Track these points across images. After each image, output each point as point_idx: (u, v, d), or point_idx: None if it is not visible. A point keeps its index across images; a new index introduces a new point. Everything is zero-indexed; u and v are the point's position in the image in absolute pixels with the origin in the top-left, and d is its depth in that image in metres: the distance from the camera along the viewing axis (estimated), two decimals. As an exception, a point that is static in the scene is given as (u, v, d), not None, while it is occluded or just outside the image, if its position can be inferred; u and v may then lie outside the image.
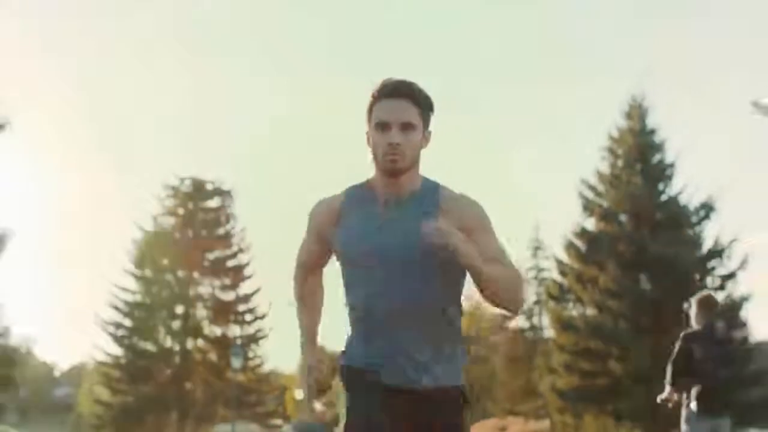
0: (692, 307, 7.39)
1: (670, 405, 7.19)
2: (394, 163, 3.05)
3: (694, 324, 7.34)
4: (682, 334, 7.26)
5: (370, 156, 3.15)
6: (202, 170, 43.38)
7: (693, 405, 7.13)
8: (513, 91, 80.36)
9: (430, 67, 71.70)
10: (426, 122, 3.13)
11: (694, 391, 7.14)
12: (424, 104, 3.11)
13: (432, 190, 3.15)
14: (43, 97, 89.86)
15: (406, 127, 3.06)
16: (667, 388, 7.20)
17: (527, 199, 70.65)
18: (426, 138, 3.15)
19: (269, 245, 75.64)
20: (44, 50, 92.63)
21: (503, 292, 2.98)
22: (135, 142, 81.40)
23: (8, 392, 41.50)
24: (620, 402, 29.02)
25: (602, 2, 73.98)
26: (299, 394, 48.13)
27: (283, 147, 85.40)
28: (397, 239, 3.08)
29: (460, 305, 3.18)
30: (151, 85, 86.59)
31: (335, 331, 3.54)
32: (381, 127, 3.07)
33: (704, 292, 7.55)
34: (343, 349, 3.24)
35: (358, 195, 3.19)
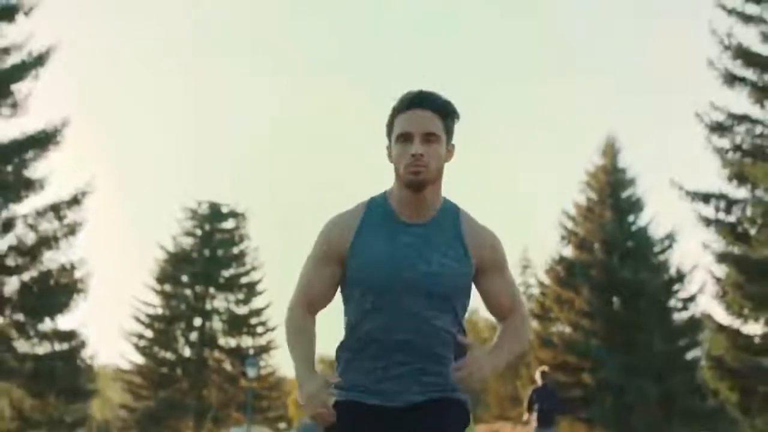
0: (538, 374, 14.69)
1: (524, 419, 14.90)
2: (417, 175, 2.98)
3: (539, 381, 14.92)
4: (531, 388, 14.53)
5: (392, 172, 3.08)
6: (218, 191, 47.97)
7: (534, 421, 14.52)
8: (513, 91, 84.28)
9: (431, 67, 74.86)
10: (450, 134, 3.08)
11: (534, 414, 14.61)
12: (448, 115, 3.06)
13: (453, 214, 3.11)
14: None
15: (429, 137, 3.00)
16: (525, 414, 14.91)
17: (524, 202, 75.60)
18: (450, 151, 3.09)
19: (280, 264, 79.77)
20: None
21: (519, 352, 3.19)
22: (150, 162, 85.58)
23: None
24: (592, 410, 33.89)
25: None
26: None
27: (295, 173, 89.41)
28: (422, 269, 3.02)
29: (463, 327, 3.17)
30: (162, 102, 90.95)
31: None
32: (403, 138, 3.01)
33: (543, 367, 15.14)
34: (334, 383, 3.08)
35: (378, 211, 3.10)
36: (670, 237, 35.76)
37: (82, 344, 22.88)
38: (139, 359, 44.19)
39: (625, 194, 36.63)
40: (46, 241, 21.26)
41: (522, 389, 39.86)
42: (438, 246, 3.04)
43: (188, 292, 44.51)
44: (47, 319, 21.78)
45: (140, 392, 44.18)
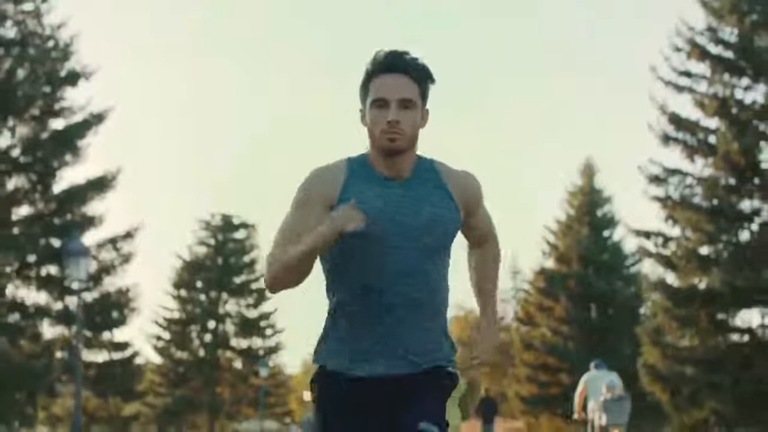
0: (483, 390, 20.74)
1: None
2: (393, 142, 3.00)
3: (483, 394, 20.74)
4: (479, 398, 20.32)
5: (365, 134, 3.08)
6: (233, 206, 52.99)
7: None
8: (518, 86, 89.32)
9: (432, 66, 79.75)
10: (425, 99, 3.09)
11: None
12: (423, 79, 3.07)
13: (429, 166, 3.16)
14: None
15: (405, 104, 3.01)
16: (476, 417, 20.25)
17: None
18: (424, 117, 3.10)
19: None
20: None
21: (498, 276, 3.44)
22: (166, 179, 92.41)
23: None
24: (569, 407, 39.28)
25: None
26: (306, 395, 58.10)
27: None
28: (420, 219, 3.05)
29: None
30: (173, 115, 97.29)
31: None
32: (378, 103, 3.02)
33: (486, 386, 21.56)
34: (318, 348, 3.16)
35: (361, 168, 3.11)
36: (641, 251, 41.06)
37: (135, 353, 28.39)
38: (158, 359, 49.09)
39: (600, 212, 41.95)
40: (106, 269, 26.66)
41: (508, 387, 45.31)
42: (424, 197, 3.07)
43: (203, 297, 48.98)
44: (106, 332, 27.35)
45: (159, 390, 48.84)
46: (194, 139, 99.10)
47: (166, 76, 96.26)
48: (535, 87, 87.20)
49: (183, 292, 49.40)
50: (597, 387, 15.17)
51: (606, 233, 41.86)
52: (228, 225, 50.92)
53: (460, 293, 59.68)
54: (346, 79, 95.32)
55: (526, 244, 71.64)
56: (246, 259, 50.82)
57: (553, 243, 42.39)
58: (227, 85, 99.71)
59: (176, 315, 48.96)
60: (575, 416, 15.70)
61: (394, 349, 3.04)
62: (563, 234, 42.14)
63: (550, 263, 42.40)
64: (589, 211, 41.75)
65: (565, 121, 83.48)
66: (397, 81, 3.03)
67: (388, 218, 3.03)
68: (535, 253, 53.26)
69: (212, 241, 50.75)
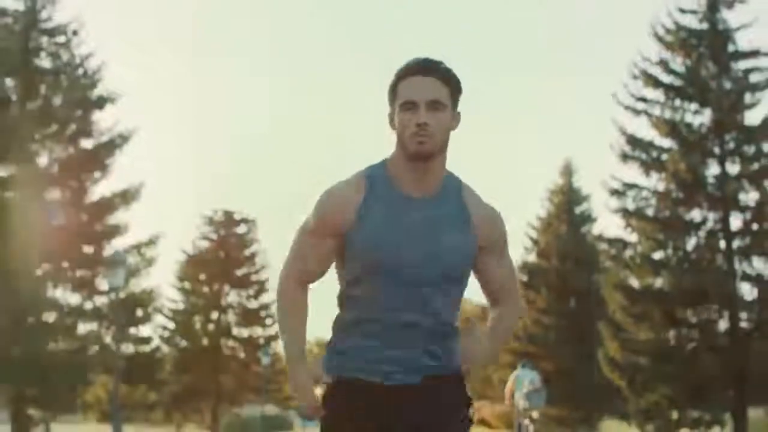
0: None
1: None
2: (422, 145, 2.99)
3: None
4: None
5: (394, 139, 3.08)
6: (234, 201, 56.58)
7: None
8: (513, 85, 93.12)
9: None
10: (455, 103, 3.09)
11: None
12: (453, 83, 3.08)
13: (456, 187, 3.15)
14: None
15: (435, 105, 3.01)
16: None
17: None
18: (456, 119, 3.10)
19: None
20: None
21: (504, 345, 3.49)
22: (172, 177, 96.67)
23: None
24: (550, 392, 43.53)
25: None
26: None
27: (297, 181, 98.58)
28: (430, 248, 3.05)
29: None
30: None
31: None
32: (408, 106, 3.02)
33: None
34: (329, 360, 3.18)
35: (381, 185, 3.09)
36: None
37: (157, 348, 32.73)
38: (164, 348, 52.56)
39: (579, 209, 46.19)
40: (132, 272, 30.88)
41: (494, 372, 49.65)
42: (444, 223, 3.05)
43: (206, 289, 52.05)
44: (132, 329, 31.76)
45: (165, 377, 52.47)
46: (196, 138, 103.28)
47: (167, 72, 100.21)
48: (523, 86, 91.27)
49: (187, 285, 52.40)
50: (522, 382, 20.30)
51: (584, 229, 46.08)
52: (229, 220, 54.46)
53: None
54: (349, 76, 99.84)
55: (510, 239, 75.06)
56: (246, 252, 53.89)
57: (535, 238, 46.61)
58: (228, 83, 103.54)
59: (181, 306, 51.79)
60: (506, 403, 21.42)
61: (391, 371, 3.07)
62: (544, 230, 46.36)
63: (532, 258, 46.64)
64: (568, 208, 45.95)
65: (547, 120, 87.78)
66: (427, 82, 3.03)
67: (403, 246, 3.03)
68: (518, 248, 58.30)
69: (214, 236, 54.24)
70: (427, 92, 3.02)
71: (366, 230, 3.06)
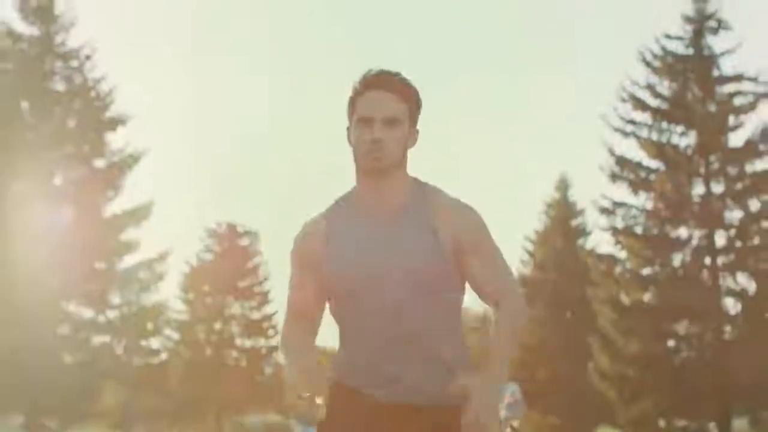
0: None
1: None
2: (377, 161, 2.97)
3: None
4: None
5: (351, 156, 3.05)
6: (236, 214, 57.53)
7: None
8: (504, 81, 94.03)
9: (429, 62, 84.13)
10: (413, 118, 3.06)
11: None
12: (411, 98, 3.04)
13: (420, 195, 3.07)
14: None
15: (391, 122, 2.98)
16: None
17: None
18: (413, 136, 3.06)
19: (287, 276, 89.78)
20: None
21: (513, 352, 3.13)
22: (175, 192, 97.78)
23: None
24: (546, 399, 45.06)
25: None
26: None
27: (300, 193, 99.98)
28: (400, 264, 2.99)
29: (460, 318, 3.15)
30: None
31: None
32: (363, 122, 2.99)
33: None
34: (333, 365, 3.17)
35: (343, 211, 3.09)
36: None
37: (167, 360, 34.35)
38: (170, 358, 53.74)
39: (574, 223, 47.72)
40: (143, 287, 32.49)
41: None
42: (406, 234, 2.99)
43: (209, 300, 52.97)
44: (143, 341, 33.38)
45: (168, 387, 53.74)
46: (197, 147, 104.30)
47: (166, 79, 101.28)
48: (522, 92, 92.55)
49: (191, 296, 53.50)
50: (502, 393, 22.39)
51: (579, 242, 47.59)
52: (232, 233, 55.73)
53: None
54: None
55: (508, 252, 76.01)
56: (249, 264, 55.31)
57: (532, 251, 48.14)
58: (228, 89, 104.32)
59: (184, 317, 52.62)
60: None
61: (386, 391, 3.04)
62: (540, 243, 47.88)
63: (528, 270, 48.16)
64: (564, 222, 47.48)
65: (545, 134, 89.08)
66: (383, 98, 2.99)
67: (362, 271, 3.01)
68: (515, 261, 60.01)
69: (218, 248, 55.55)
70: (384, 109, 3.00)
71: (329, 257, 3.08)
